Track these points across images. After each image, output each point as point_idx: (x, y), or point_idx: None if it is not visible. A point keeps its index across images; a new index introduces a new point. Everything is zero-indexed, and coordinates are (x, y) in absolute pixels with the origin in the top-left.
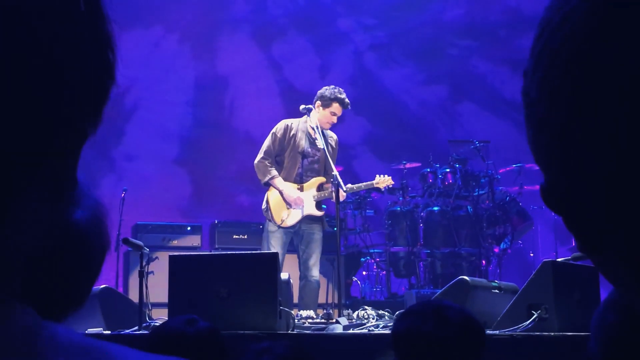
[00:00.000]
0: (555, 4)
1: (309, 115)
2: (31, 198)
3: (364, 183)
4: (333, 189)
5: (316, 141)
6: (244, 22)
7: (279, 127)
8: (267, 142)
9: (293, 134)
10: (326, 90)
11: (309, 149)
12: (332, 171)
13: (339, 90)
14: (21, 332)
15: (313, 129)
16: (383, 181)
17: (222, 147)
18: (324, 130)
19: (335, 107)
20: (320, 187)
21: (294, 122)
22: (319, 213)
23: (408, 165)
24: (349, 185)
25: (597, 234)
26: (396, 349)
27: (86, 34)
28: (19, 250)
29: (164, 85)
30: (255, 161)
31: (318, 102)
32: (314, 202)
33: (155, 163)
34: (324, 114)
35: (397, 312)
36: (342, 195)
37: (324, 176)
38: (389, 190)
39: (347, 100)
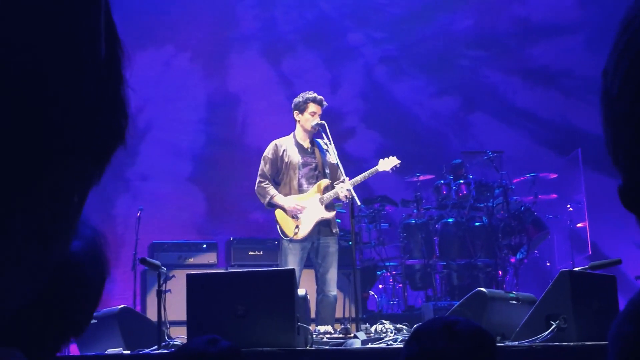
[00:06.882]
0: None
1: (322, 129)
2: (16, 239)
3: (368, 171)
4: (347, 202)
5: (309, 149)
6: (253, 39)
7: (268, 149)
8: (261, 166)
9: (283, 150)
10: (297, 98)
11: (304, 159)
12: (342, 176)
13: (308, 92)
14: None
15: (305, 139)
16: (388, 163)
17: (236, 164)
18: (316, 140)
19: (312, 107)
20: (325, 190)
21: (282, 140)
22: (330, 215)
23: (421, 178)
24: (353, 180)
25: None
26: None
27: (99, 96)
28: (5, 298)
29: (176, 104)
30: (255, 188)
31: (296, 112)
32: (323, 206)
33: (170, 182)
34: (305, 117)
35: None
36: (357, 201)
37: (330, 181)
38: (403, 202)
39: (319, 97)
